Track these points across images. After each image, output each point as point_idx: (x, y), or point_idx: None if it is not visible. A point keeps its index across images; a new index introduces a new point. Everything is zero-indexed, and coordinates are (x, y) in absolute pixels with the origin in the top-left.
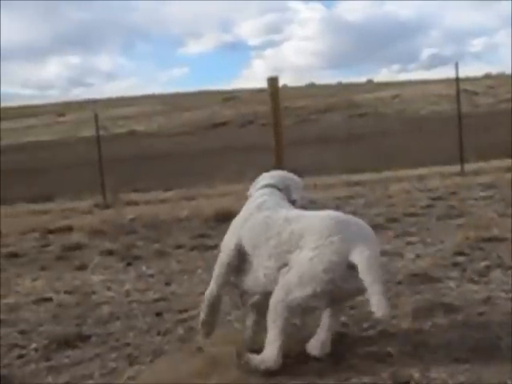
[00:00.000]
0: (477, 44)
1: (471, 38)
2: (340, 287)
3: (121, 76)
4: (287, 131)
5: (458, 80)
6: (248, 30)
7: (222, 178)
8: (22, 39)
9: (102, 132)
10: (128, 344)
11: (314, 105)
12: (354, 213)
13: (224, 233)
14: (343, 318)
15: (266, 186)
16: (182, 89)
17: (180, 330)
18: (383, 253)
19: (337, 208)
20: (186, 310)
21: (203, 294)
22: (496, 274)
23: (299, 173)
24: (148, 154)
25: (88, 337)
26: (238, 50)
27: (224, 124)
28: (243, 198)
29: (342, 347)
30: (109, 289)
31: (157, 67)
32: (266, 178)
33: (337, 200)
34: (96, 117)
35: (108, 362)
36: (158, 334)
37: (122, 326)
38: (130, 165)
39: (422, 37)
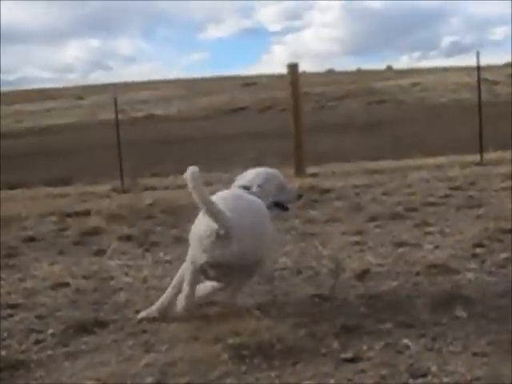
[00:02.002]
0: (498, 32)
1: (492, 26)
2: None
3: (140, 60)
4: (306, 117)
5: (479, 69)
6: (268, 15)
7: (240, 164)
8: (42, 22)
9: (120, 115)
10: (145, 331)
11: (333, 91)
12: (373, 201)
13: None
14: (362, 309)
15: (240, 186)
16: (201, 74)
17: (197, 318)
18: (401, 243)
19: (355, 196)
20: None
21: None
22: None
23: (318, 159)
24: (167, 138)
25: (105, 323)
26: (257, 36)
27: (243, 109)
28: None
29: (359, 338)
30: (126, 275)
31: (177, 52)
32: (244, 177)
33: (355, 188)
34: (115, 100)
35: (125, 349)
36: (175, 321)
37: (139, 313)
38: (149, 149)
39: (442, 24)
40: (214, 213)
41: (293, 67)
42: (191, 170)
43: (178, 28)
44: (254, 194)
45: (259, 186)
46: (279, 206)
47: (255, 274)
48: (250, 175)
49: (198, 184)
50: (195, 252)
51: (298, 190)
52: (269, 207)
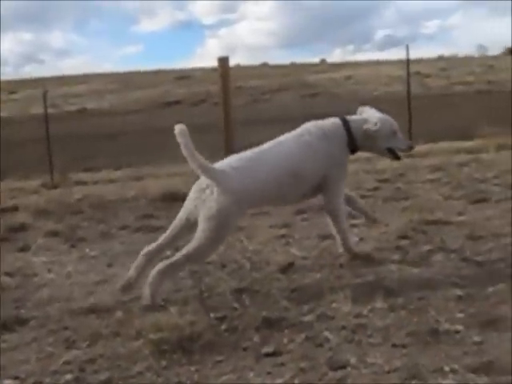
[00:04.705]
0: (431, 26)
1: (425, 19)
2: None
3: (73, 53)
4: (239, 110)
5: (408, 62)
6: (202, 8)
7: (172, 158)
8: None
9: (52, 110)
10: (66, 328)
11: (267, 84)
12: None
13: (171, 214)
14: (284, 302)
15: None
16: (135, 67)
17: (119, 313)
18: (327, 236)
19: None
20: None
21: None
22: (438, 257)
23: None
24: (99, 132)
25: (26, 320)
26: (192, 29)
27: (177, 103)
28: (192, 178)
29: (280, 332)
30: (50, 271)
31: (110, 45)
32: (363, 112)
33: None
34: (45, 94)
35: (45, 347)
36: (97, 317)
37: (61, 309)
38: (81, 144)
39: (376, 17)
40: (199, 164)
41: (223, 60)
42: (179, 127)
43: (111, 20)
44: (369, 131)
45: (376, 124)
46: (392, 152)
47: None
48: (371, 112)
49: (187, 140)
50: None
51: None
52: (382, 152)
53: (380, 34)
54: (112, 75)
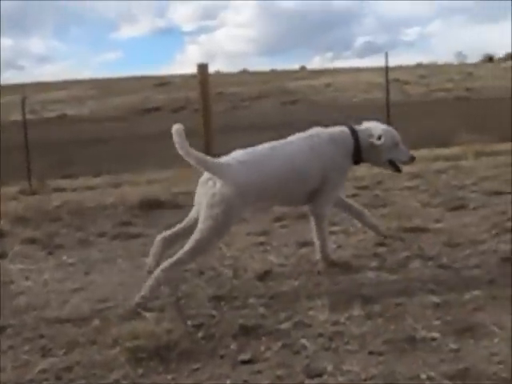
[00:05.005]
0: (410, 33)
1: (405, 27)
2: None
3: (53, 59)
4: (219, 117)
5: (387, 69)
6: (182, 15)
7: (152, 165)
8: None
9: (31, 116)
10: (42, 336)
11: (247, 91)
12: None
13: (149, 221)
14: (261, 310)
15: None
16: (115, 73)
17: (96, 321)
18: (305, 243)
19: None
20: (103, 301)
21: (121, 284)
22: (415, 264)
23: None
24: (79, 138)
25: (3, 328)
26: (171, 36)
27: (156, 109)
28: (171, 185)
29: (257, 339)
30: (27, 278)
31: (90, 51)
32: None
33: None
34: (23, 100)
35: (21, 355)
36: (74, 325)
37: (37, 317)
38: (61, 150)
39: (356, 25)
40: (196, 159)
41: (202, 67)
42: (176, 126)
43: (92, 27)
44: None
45: (380, 136)
46: (393, 164)
47: None
48: (372, 124)
49: (182, 139)
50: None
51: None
52: (384, 165)
53: (360, 41)
54: (92, 81)
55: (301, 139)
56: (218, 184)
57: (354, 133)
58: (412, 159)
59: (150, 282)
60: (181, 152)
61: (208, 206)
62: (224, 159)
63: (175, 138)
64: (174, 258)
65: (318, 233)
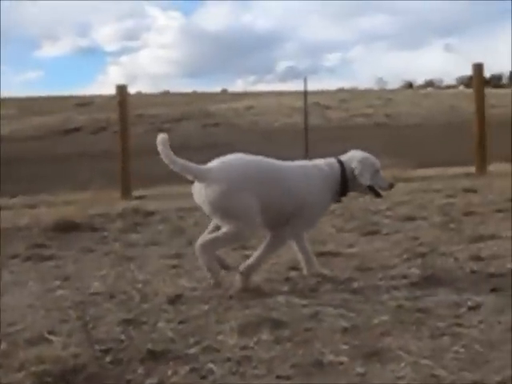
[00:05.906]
0: (332, 59)
1: (327, 52)
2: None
3: None
4: (139, 139)
5: (306, 94)
6: (105, 35)
7: (70, 186)
8: None
9: None
10: None
11: (168, 113)
12: (195, 224)
13: (63, 243)
14: (170, 334)
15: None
16: (37, 93)
17: (4, 345)
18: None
19: (178, 219)
20: (12, 324)
21: (31, 306)
22: (326, 288)
23: (149, 182)
24: None
25: None
26: (94, 55)
27: (77, 130)
28: (88, 206)
29: (165, 364)
30: None
31: (11, 70)
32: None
33: (180, 211)
34: None
35: None
36: None
37: None
38: None
39: (278, 49)
40: (182, 167)
41: (121, 88)
42: (161, 136)
43: (13, 45)
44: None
45: (359, 161)
46: (373, 190)
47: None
48: (351, 153)
49: (167, 148)
50: None
51: (389, 180)
52: (364, 191)
53: (282, 66)
54: (11, 100)
55: (297, 164)
56: (206, 189)
57: (341, 165)
58: (391, 186)
59: (200, 261)
60: (166, 161)
61: (212, 213)
62: (208, 165)
63: (159, 147)
64: (212, 236)
65: (260, 251)
